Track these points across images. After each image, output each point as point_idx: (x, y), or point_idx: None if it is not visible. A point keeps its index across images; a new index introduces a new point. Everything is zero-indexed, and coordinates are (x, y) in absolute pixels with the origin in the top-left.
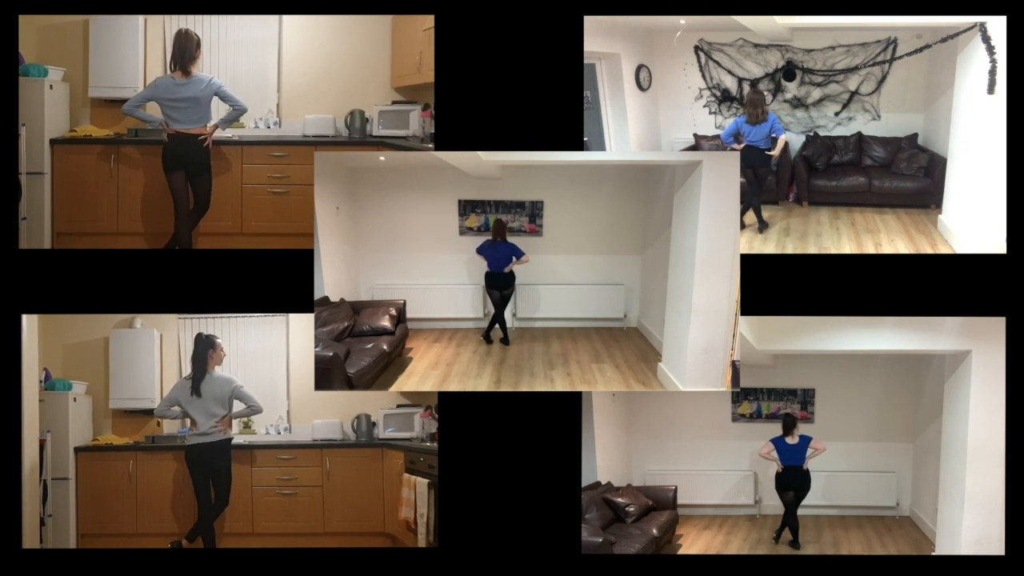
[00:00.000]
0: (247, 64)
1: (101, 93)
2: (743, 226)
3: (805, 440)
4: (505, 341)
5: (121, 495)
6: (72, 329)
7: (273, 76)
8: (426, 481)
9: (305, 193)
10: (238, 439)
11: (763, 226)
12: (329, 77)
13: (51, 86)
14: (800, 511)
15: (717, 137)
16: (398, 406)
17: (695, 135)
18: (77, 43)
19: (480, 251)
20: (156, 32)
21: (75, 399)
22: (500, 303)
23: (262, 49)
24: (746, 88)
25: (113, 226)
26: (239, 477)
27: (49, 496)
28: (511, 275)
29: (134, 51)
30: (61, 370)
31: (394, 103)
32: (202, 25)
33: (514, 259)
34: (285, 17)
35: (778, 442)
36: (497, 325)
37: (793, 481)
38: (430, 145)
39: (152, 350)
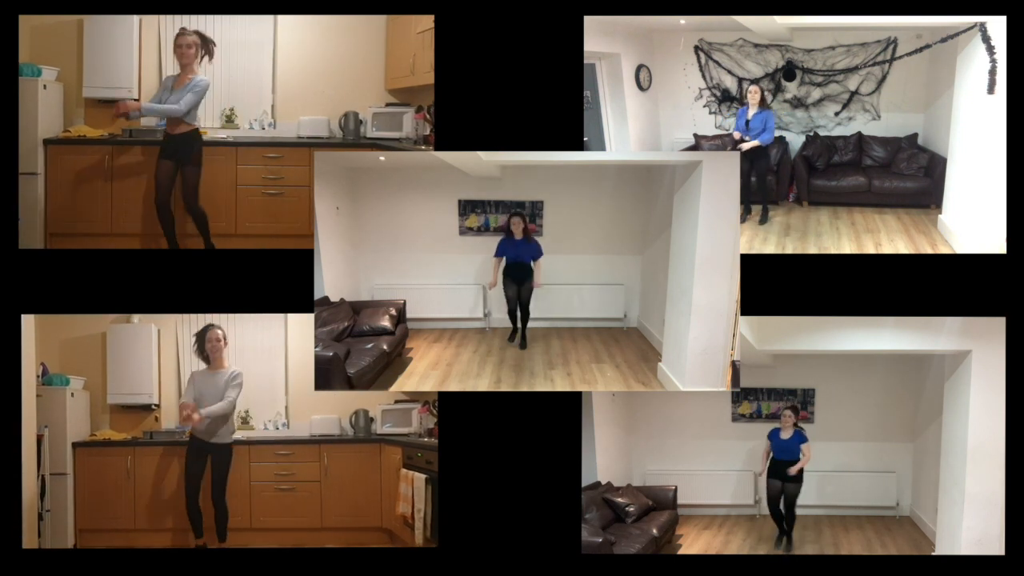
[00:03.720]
0: (242, 65)
1: (95, 93)
2: (744, 219)
3: (799, 437)
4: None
5: (119, 491)
6: (70, 324)
7: (268, 77)
8: (423, 476)
9: (300, 195)
10: (236, 435)
11: (764, 219)
12: (324, 79)
13: (45, 86)
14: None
15: (717, 137)
16: (396, 402)
17: (695, 135)
18: (71, 43)
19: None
20: (151, 32)
21: (73, 394)
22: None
23: (257, 50)
24: (746, 88)
25: (107, 227)
26: (238, 472)
27: (47, 492)
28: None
29: (129, 51)
30: (59, 365)
31: (388, 105)
32: (197, 26)
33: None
34: (280, 19)
35: (773, 436)
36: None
37: (779, 470)
38: (422, 147)
39: (150, 345)
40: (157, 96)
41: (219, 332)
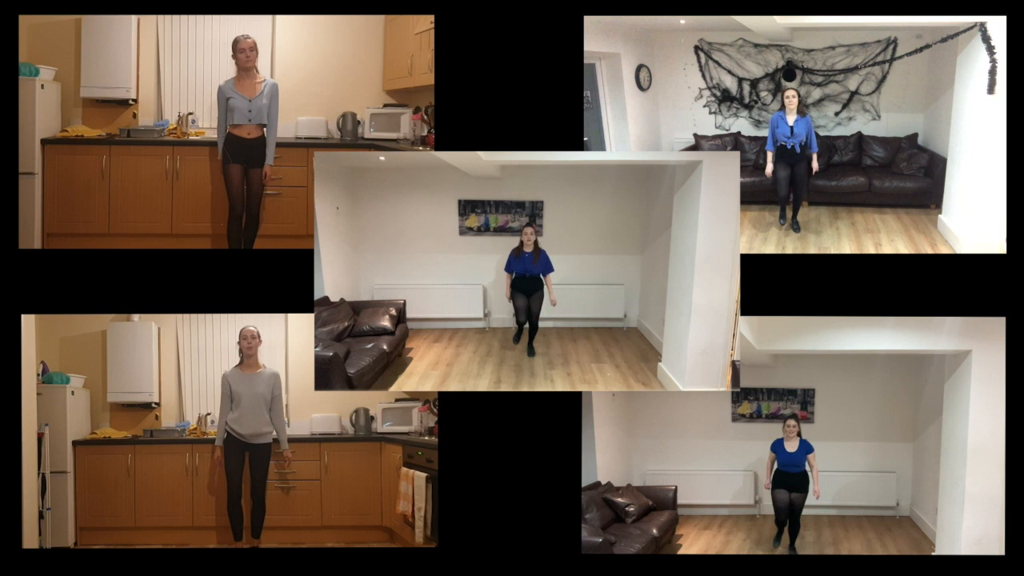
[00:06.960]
0: None
1: (93, 93)
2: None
3: (805, 447)
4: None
5: (120, 489)
6: (70, 322)
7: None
8: (424, 475)
9: (298, 195)
10: None
11: (796, 226)
12: (322, 79)
13: (42, 85)
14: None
15: (717, 137)
16: (396, 400)
17: (695, 135)
18: (69, 42)
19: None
20: (149, 32)
21: (73, 392)
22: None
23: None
24: (746, 88)
25: (104, 227)
26: None
27: (48, 490)
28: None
29: (127, 51)
30: (59, 363)
31: (385, 106)
32: (196, 25)
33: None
34: (278, 19)
35: (777, 448)
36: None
37: (787, 481)
38: (420, 148)
39: (150, 343)
40: (223, 106)
41: (253, 330)
